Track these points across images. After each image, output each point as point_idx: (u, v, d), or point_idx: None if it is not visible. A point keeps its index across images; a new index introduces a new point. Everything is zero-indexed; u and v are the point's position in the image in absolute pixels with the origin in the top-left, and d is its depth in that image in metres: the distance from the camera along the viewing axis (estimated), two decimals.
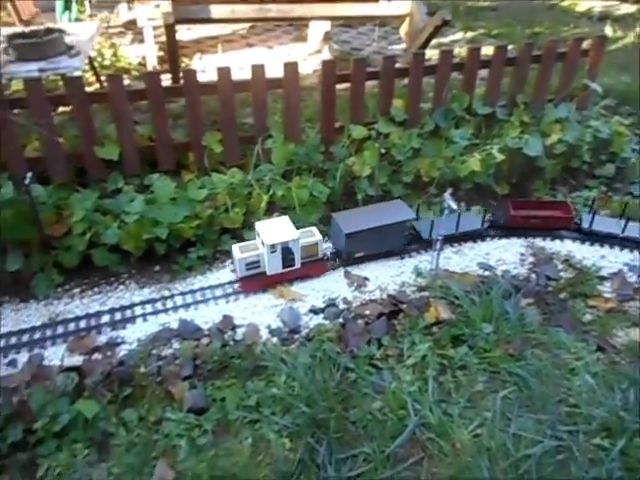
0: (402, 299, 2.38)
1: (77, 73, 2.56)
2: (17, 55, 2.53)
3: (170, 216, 2.47)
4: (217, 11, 3.45)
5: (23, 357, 2.15)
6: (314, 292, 2.48)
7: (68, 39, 2.68)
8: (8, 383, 2.01)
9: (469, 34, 5.97)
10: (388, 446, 1.84)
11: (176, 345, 2.21)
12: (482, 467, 1.77)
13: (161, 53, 4.68)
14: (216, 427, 1.93)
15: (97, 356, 2.16)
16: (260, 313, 2.37)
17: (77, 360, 2.14)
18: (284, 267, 2.44)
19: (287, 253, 2.40)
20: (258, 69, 2.60)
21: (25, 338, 2.23)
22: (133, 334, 2.25)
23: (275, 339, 2.25)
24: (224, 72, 2.54)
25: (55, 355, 2.17)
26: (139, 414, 1.97)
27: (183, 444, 1.87)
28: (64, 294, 2.49)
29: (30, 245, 2.42)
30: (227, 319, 2.31)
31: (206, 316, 2.33)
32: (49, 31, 2.61)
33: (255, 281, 2.45)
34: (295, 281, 2.51)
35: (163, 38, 4.90)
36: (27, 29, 2.64)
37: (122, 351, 2.19)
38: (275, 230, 2.39)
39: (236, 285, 2.47)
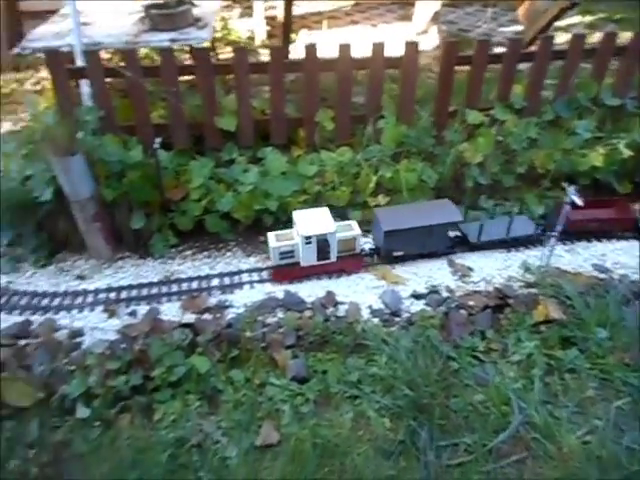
0: (509, 294, 2.31)
1: (204, 44, 2.66)
2: (151, 25, 2.66)
3: (281, 189, 2.54)
4: None
5: (142, 309, 2.32)
6: (416, 277, 2.46)
7: (196, 11, 2.79)
8: (130, 332, 2.18)
9: (587, 18, 5.54)
10: (490, 440, 1.81)
11: (280, 315, 2.29)
12: (591, 475, 1.71)
13: (268, 27, 4.77)
14: (317, 397, 1.99)
15: (207, 316, 2.29)
16: (362, 293, 2.39)
17: (190, 318, 2.28)
18: (319, 259, 2.38)
19: (323, 246, 2.34)
20: (378, 47, 2.57)
21: (144, 292, 2.40)
22: (240, 299, 2.36)
23: (376, 319, 2.27)
24: (345, 49, 2.54)
25: (170, 311, 2.32)
26: (245, 375, 2.07)
27: (286, 409, 1.95)
28: (177, 255, 2.64)
29: (151, 206, 2.59)
30: (330, 295, 2.35)
31: (310, 290, 2.39)
32: (180, 3, 2.72)
33: (288, 271, 2.41)
34: (332, 275, 2.46)
35: (269, 12, 5.00)
36: (160, 0, 2.76)
37: (230, 314, 2.30)
38: (313, 221, 2.32)
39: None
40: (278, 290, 2.39)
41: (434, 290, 2.37)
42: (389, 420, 1.90)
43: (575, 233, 2.60)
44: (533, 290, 2.34)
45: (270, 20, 4.91)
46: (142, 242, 2.62)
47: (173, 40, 2.60)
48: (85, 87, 2.64)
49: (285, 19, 3.32)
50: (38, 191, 2.37)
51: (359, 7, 5.56)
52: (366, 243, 2.61)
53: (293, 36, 4.62)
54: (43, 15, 6.41)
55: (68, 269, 2.55)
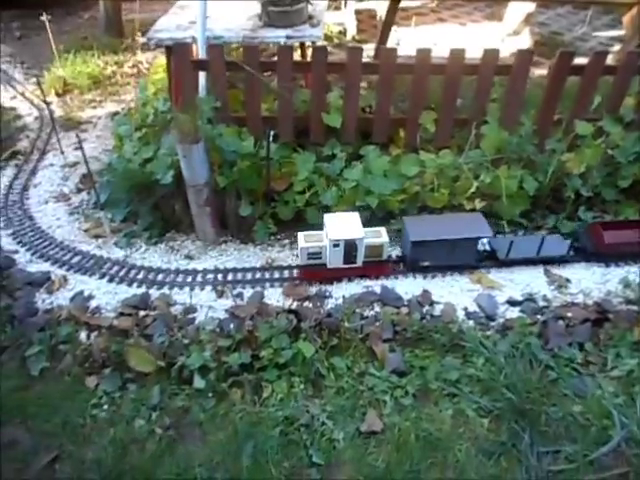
0: (609, 308, 2.31)
1: (318, 42, 2.76)
2: (267, 21, 2.78)
3: (381, 187, 2.62)
4: None
5: (247, 292, 2.47)
6: (512, 284, 2.49)
7: (309, 8, 2.88)
8: (239, 312, 2.34)
9: None
10: (591, 451, 1.85)
11: (377, 309, 2.39)
12: None
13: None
14: (417, 392, 2.08)
15: (308, 304, 2.42)
16: (457, 294, 2.45)
17: (291, 304, 2.41)
18: (345, 263, 2.44)
19: (350, 250, 2.39)
20: (490, 54, 2.58)
21: (248, 276, 2.55)
22: (339, 290, 2.47)
23: (471, 322, 2.33)
24: (457, 53, 2.57)
25: (272, 296, 2.46)
26: (346, 363, 2.19)
27: (388, 400, 2.05)
28: (276, 243, 2.78)
29: (255, 195, 2.72)
30: (426, 294, 2.43)
31: (406, 287, 2.47)
32: (296, 0, 2.82)
33: (315, 271, 2.48)
34: (357, 279, 2.51)
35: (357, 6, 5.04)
36: None
37: (329, 304, 2.41)
38: (342, 225, 2.38)
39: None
40: (375, 285, 2.48)
41: (530, 298, 2.40)
42: (489, 421, 1.97)
43: (608, 255, 2.56)
44: (634, 307, 2.33)
45: (358, 13, 4.96)
46: (244, 228, 2.77)
47: (289, 37, 2.71)
48: (202, 78, 2.79)
49: (387, 18, 3.36)
50: (160, 174, 2.55)
51: (445, 4, 5.51)
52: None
53: None
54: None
55: (177, 248, 2.74)
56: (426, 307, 2.38)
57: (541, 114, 2.77)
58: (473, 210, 2.69)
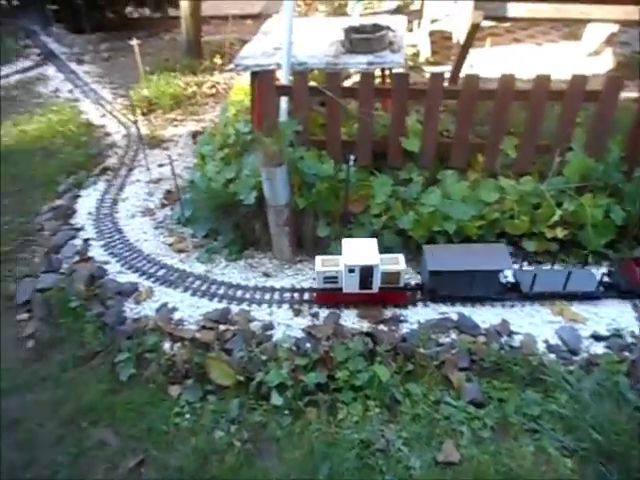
0: None
1: (399, 68, 2.80)
2: (349, 47, 2.86)
3: (459, 213, 2.60)
4: (514, 9, 3.41)
5: (322, 312, 2.52)
6: (596, 317, 2.40)
7: (390, 34, 2.93)
8: (316, 332, 2.39)
9: None
10: None
11: (453, 336, 2.36)
12: None
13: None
14: (495, 425, 2.04)
15: (383, 327, 2.43)
16: (537, 325, 2.39)
17: (366, 327, 2.43)
18: (361, 288, 2.41)
19: (365, 276, 2.36)
20: (577, 80, 2.53)
21: None
22: (415, 315, 2.47)
23: (553, 355, 2.26)
24: (542, 80, 2.53)
25: (348, 317, 2.49)
26: (422, 390, 2.18)
27: (465, 431, 2.02)
28: None
29: (332, 216, 2.78)
30: (505, 324, 2.38)
31: (483, 315, 2.44)
32: (377, 27, 2.88)
33: (330, 295, 2.47)
34: (376, 305, 2.48)
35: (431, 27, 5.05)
36: (358, 24, 2.95)
37: (404, 328, 2.42)
38: (359, 251, 2.37)
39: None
40: (452, 311, 2.46)
41: (617, 334, 2.30)
42: (573, 461, 1.89)
43: None
44: None
45: (431, 35, 4.97)
46: (320, 248, 2.82)
47: (370, 63, 2.77)
48: (283, 103, 2.90)
49: (466, 42, 3.36)
50: (243, 195, 2.66)
51: (521, 24, 5.42)
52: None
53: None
54: (219, 20, 7.03)
55: (255, 265, 2.83)
56: (505, 337, 2.33)
57: (630, 140, 2.66)
58: (555, 239, 2.62)
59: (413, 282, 2.62)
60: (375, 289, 2.43)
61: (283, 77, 2.80)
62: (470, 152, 2.82)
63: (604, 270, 2.54)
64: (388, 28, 2.86)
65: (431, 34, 5.02)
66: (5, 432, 2.18)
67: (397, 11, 5.86)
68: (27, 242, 3.21)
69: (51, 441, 2.13)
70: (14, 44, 7.10)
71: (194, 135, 4.29)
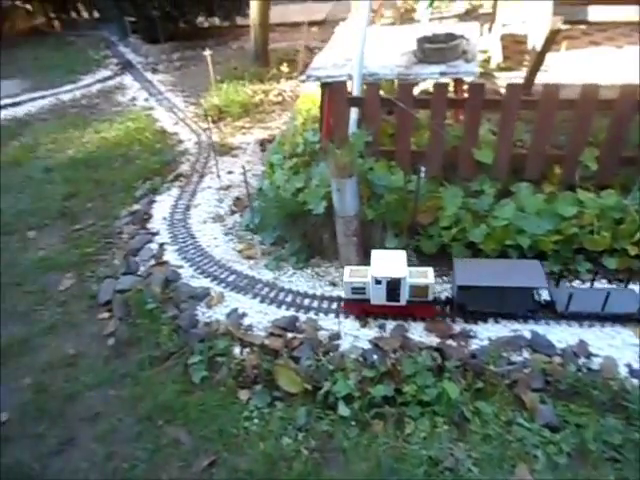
0: None
1: (473, 78, 2.75)
2: (422, 57, 2.83)
3: (534, 227, 2.51)
4: (596, 13, 3.26)
5: (389, 324, 2.51)
6: None
7: (463, 43, 2.88)
8: (383, 345, 2.38)
9: None
10: None
11: (526, 354, 2.29)
12: None
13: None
14: (572, 451, 1.96)
15: (452, 342, 2.39)
16: (618, 348, 2.26)
17: (433, 341, 2.40)
18: (388, 300, 2.39)
19: (392, 288, 2.35)
20: None
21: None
22: (485, 332, 2.41)
23: (635, 380, 2.13)
24: (628, 89, 2.40)
25: (415, 330, 2.46)
26: (492, 410, 2.12)
27: (539, 455, 1.95)
28: None
29: (399, 227, 2.77)
30: (582, 345, 2.27)
31: (559, 334, 2.34)
32: (451, 36, 2.84)
33: (358, 305, 2.47)
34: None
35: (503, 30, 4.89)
36: (431, 33, 2.92)
37: (474, 344, 2.36)
38: (387, 263, 2.36)
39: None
40: (524, 329, 2.38)
41: None
42: None
43: None
44: None
45: (502, 38, 4.82)
46: None
47: (443, 73, 2.73)
48: (353, 114, 2.92)
49: (543, 49, 3.24)
50: (313, 204, 2.71)
51: (599, 25, 5.15)
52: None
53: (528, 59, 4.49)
54: (285, 28, 7.18)
55: (322, 274, 2.87)
56: (582, 359, 2.23)
57: None
58: (638, 256, 2.48)
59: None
60: (403, 302, 2.42)
61: (354, 88, 2.81)
62: (546, 163, 2.71)
63: None
64: (462, 37, 2.81)
65: (502, 38, 4.87)
66: (88, 424, 2.33)
67: (466, 14, 5.75)
68: (108, 244, 3.41)
69: (130, 436, 2.26)
70: (95, 54, 7.59)
71: (261, 143, 4.40)
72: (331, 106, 2.88)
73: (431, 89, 2.64)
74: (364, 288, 2.44)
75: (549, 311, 2.42)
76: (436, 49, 2.76)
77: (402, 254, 2.43)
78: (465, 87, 2.95)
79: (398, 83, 2.68)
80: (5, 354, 2.68)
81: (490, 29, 4.55)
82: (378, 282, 2.36)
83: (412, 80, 2.74)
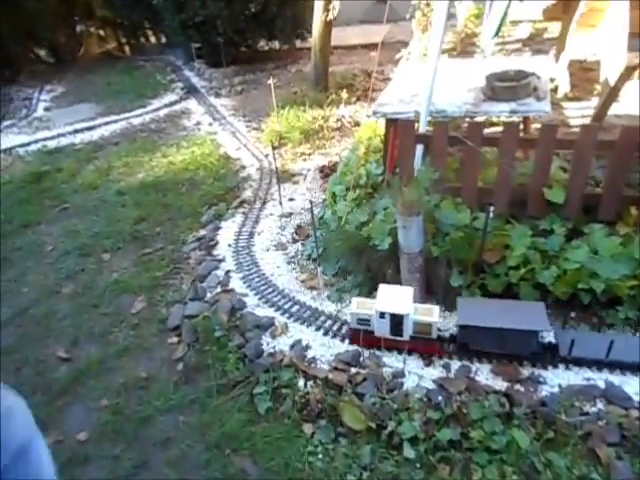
0: None
1: (544, 117, 2.72)
2: (490, 94, 2.82)
3: (609, 271, 2.44)
4: None
5: (454, 364, 2.49)
6: None
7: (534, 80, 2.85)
8: (448, 386, 2.37)
9: None
10: None
11: (600, 405, 2.21)
12: None
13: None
14: None
15: (520, 387, 2.34)
16: None
17: (501, 385, 2.36)
18: (392, 334, 2.49)
19: (396, 323, 2.45)
20: None
21: (452, 346, 2.57)
22: (555, 378, 2.34)
23: None
24: None
25: (481, 372, 2.43)
26: (565, 462, 2.06)
27: None
28: None
29: (464, 264, 2.75)
30: None
31: (636, 387, 2.25)
32: (522, 74, 2.82)
33: (363, 336, 2.55)
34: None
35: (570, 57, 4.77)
36: (499, 69, 2.91)
37: (543, 391, 2.31)
38: (393, 298, 2.48)
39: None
40: (599, 378, 2.31)
41: None
42: None
43: None
44: None
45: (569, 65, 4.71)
46: (450, 296, 2.80)
47: (513, 111, 2.71)
48: (418, 150, 2.94)
49: (617, 84, 3.14)
50: (377, 240, 2.74)
51: None
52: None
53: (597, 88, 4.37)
54: (343, 50, 7.29)
55: None
56: None
57: None
58: None
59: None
60: (406, 337, 2.50)
61: (421, 124, 2.84)
62: (621, 204, 2.63)
63: None
64: (533, 74, 2.78)
65: (570, 64, 4.76)
66: (160, 449, 2.44)
67: (530, 39, 5.64)
68: (176, 269, 3.58)
69: (199, 463, 2.34)
70: (163, 78, 8.00)
71: (321, 169, 4.49)
72: (397, 142, 2.91)
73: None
74: (369, 320, 2.55)
75: (551, 354, 2.41)
76: (506, 87, 2.74)
77: (409, 290, 2.54)
78: (533, 124, 2.92)
79: (467, 122, 2.68)
80: (85, 374, 2.85)
81: (557, 57, 4.45)
82: (382, 316, 2.47)
83: (481, 117, 2.74)
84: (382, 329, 2.52)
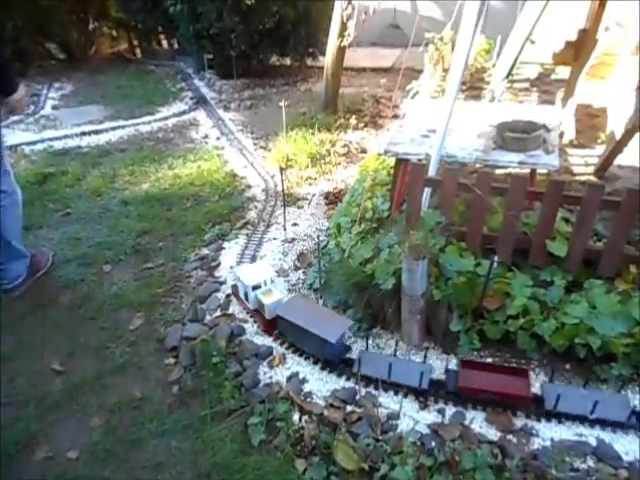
0: None
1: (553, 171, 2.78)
2: (500, 143, 2.88)
3: (607, 329, 2.49)
4: None
5: (449, 410, 2.52)
6: None
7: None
8: (442, 432, 2.39)
9: None
10: None
11: (590, 463, 2.24)
12: None
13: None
14: None
15: (512, 438, 2.37)
16: None
17: (493, 434, 2.39)
18: (245, 299, 3.17)
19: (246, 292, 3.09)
20: None
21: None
22: (547, 432, 2.38)
23: None
24: None
25: (475, 420, 2.46)
26: None
27: None
28: (479, 359, 2.79)
29: (464, 308, 2.79)
30: None
31: (627, 446, 2.29)
32: (532, 125, 2.88)
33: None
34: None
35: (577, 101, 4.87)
36: (510, 119, 2.98)
37: (535, 444, 2.34)
38: (256, 272, 3.13)
39: None
40: (590, 435, 2.34)
41: None
42: None
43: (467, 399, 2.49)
44: None
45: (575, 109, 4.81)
46: (449, 339, 2.84)
47: (522, 163, 2.77)
48: (426, 191, 2.99)
49: (623, 138, 3.22)
50: (381, 279, 2.78)
51: None
52: None
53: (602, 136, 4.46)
54: (352, 72, 7.36)
55: (382, 347, 2.91)
56: None
57: None
58: None
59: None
60: (251, 306, 3.12)
61: (431, 168, 2.89)
62: (622, 262, 2.69)
63: None
64: (544, 127, 2.85)
65: (576, 108, 4.85)
66: (150, 473, 2.44)
67: (538, 79, 5.75)
68: (176, 287, 3.58)
69: None
70: (172, 86, 8.04)
71: (326, 196, 4.53)
72: (406, 182, 2.96)
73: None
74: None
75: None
76: (517, 138, 2.80)
77: (269, 270, 3.19)
78: (539, 176, 2.98)
79: (477, 171, 2.74)
80: (79, 389, 2.84)
81: (564, 102, 4.55)
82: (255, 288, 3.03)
83: (491, 166, 2.80)
84: (252, 301, 3.08)
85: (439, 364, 2.76)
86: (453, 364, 2.75)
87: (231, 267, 3.63)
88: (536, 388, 2.53)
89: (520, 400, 2.45)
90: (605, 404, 2.34)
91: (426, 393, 2.56)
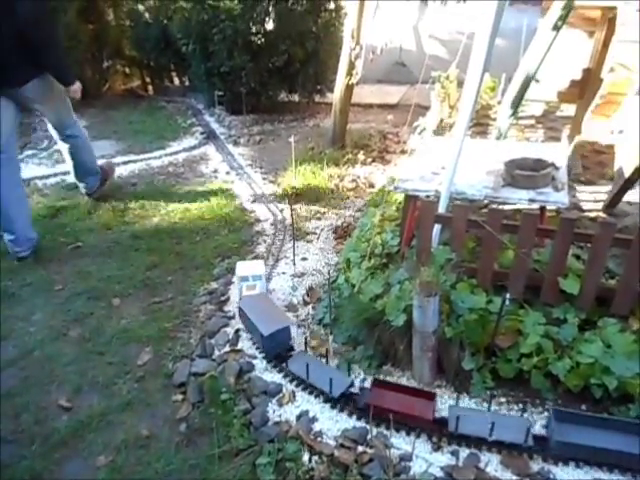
0: None
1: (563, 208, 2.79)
2: (510, 181, 2.91)
3: (622, 369, 2.45)
4: None
5: (463, 452, 2.46)
6: None
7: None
8: (457, 475, 2.33)
9: None
10: None
11: None
12: None
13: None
14: None
15: None
16: None
17: (510, 478, 2.33)
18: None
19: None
20: None
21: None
22: (565, 475, 2.31)
23: None
24: None
25: (490, 463, 2.39)
26: None
27: None
28: (493, 400, 2.73)
29: (476, 346, 2.76)
30: None
31: None
32: (541, 163, 2.92)
33: None
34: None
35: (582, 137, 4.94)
36: (519, 157, 3.01)
37: None
38: (249, 268, 3.64)
39: None
40: (609, 477, 2.27)
41: None
42: None
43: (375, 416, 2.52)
44: None
45: (581, 146, 4.87)
46: (461, 377, 2.80)
47: (532, 200, 2.79)
48: (436, 227, 3.00)
49: (632, 177, 3.25)
50: (392, 316, 2.76)
51: None
52: None
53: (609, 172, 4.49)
54: (359, 108, 7.49)
55: None
56: None
57: None
58: None
59: None
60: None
61: (441, 204, 2.91)
62: (635, 300, 2.66)
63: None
64: (553, 165, 2.88)
65: (582, 145, 4.91)
66: None
67: (543, 116, 5.84)
68: (185, 322, 3.57)
69: None
70: (183, 122, 8.20)
71: (335, 230, 4.56)
72: (415, 218, 2.98)
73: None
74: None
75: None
76: (526, 176, 2.83)
77: (261, 265, 3.64)
78: (548, 213, 2.99)
79: (488, 208, 2.76)
80: (85, 427, 2.80)
81: (571, 139, 4.61)
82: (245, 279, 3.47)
83: (500, 203, 2.82)
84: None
85: (452, 404, 2.71)
86: (465, 403, 2.70)
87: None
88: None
89: (422, 422, 2.53)
90: (503, 426, 2.40)
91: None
